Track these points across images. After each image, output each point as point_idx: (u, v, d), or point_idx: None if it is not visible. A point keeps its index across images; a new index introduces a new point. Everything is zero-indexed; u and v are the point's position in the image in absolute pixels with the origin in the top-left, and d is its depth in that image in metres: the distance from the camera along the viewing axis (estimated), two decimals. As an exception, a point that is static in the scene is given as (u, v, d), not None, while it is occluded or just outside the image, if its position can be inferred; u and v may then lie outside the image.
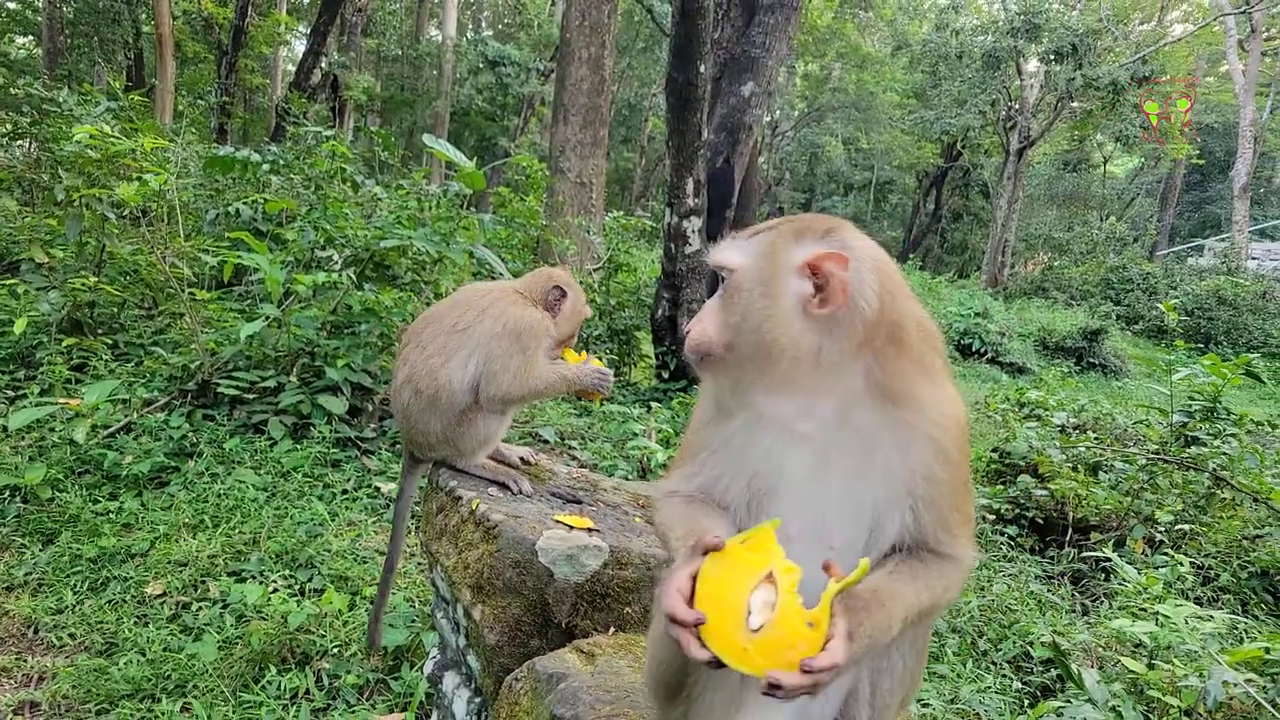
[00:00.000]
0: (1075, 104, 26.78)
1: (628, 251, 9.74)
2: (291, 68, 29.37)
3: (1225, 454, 5.13)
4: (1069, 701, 2.78)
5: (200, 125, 15.40)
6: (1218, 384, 5.22)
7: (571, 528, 2.31)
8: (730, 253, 1.44)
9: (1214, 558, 4.72)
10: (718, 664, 1.21)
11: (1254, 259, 24.25)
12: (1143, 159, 38.72)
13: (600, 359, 2.81)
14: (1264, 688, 2.91)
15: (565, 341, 2.79)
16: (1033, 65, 28.33)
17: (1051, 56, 25.00)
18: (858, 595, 1.25)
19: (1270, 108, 30.69)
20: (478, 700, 2.33)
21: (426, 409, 2.56)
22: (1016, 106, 27.72)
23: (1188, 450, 5.46)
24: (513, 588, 2.15)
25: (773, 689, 1.16)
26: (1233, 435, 5.27)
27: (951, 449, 1.35)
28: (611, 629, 2.17)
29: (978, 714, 3.32)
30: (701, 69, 7.77)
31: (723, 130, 8.81)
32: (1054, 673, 3.70)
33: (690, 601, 1.25)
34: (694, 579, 1.27)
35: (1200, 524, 4.96)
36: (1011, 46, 25.75)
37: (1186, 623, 3.38)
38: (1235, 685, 2.67)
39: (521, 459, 2.88)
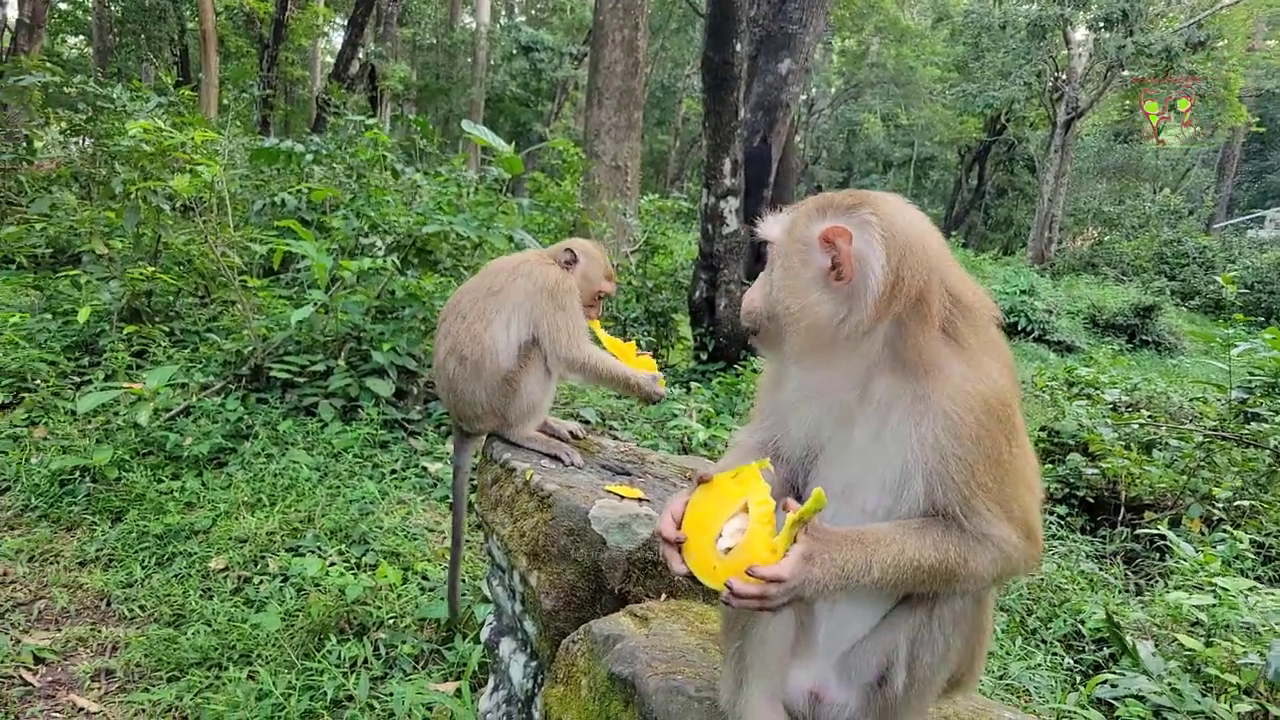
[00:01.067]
0: (1126, 72, 25.95)
1: (664, 233, 9.76)
2: (330, 59, 29.76)
3: (1286, 429, 5.00)
4: (1123, 674, 2.75)
5: (244, 118, 15.75)
6: (1279, 358, 5.07)
7: (622, 497, 2.38)
8: (771, 226, 1.53)
9: (1276, 536, 4.61)
10: (692, 578, 1.39)
11: (1317, 229, 23.40)
12: (1198, 128, 37.41)
13: (657, 368, 2.86)
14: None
15: (588, 306, 2.89)
16: (1080, 33, 27.52)
17: (1101, 24, 24.25)
18: (827, 529, 1.35)
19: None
20: (534, 664, 2.41)
21: (472, 377, 2.65)
22: (1064, 77, 27.00)
23: (1247, 427, 5.32)
24: (567, 555, 2.23)
25: (730, 595, 1.31)
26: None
27: (967, 423, 1.35)
28: (663, 595, 2.23)
29: (1027, 690, 3.31)
30: (738, 48, 7.74)
31: (759, 109, 8.77)
32: (1106, 651, 3.66)
33: (679, 526, 1.44)
34: (686, 506, 1.47)
35: (1261, 501, 4.83)
36: (1058, 14, 25.03)
37: (1245, 597, 3.33)
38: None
39: (571, 433, 2.96)
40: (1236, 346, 5.30)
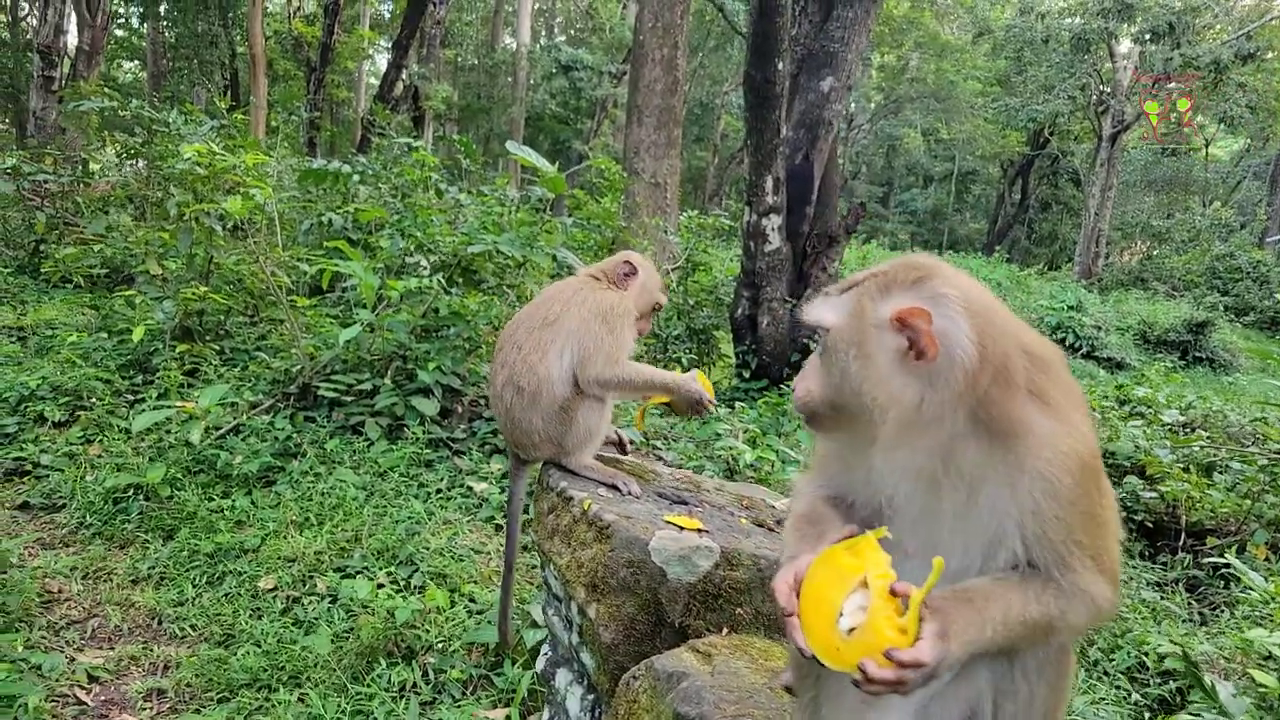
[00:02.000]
0: (1173, 85, 25.43)
1: (704, 250, 9.72)
2: (374, 80, 30.37)
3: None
4: (1199, 715, 2.61)
5: (292, 139, 16.11)
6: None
7: (682, 528, 2.34)
8: (823, 311, 1.43)
9: None
10: (816, 659, 1.31)
11: (1377, 243, 22.63)
12: (1249, 140, 36.49)
13: (705, 378, 2.82)
14: None
15: (643, 318, 2.87)
16: (1125, 46, 27.05)
17: (1147, 36, 23.84)
18: (943, 595, 1.28)
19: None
20: (591, 697, 2.37)
21: (529, 407, 2.63)
22: (1109, 90, 26.54)
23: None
24: (627, 587, 2.19)
25: (865, 680, 1.23)
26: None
27: (1064, 484, 1.31)
28: (725, 629, 2.18)
29: None
30: (780, 66, 7.71)
31: (801, 127, 8.71)
32: (1173, 685, 3.51)
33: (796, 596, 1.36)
34: (800, 575, 1.38)
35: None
36: (1103, 28, 24.66)
37: None
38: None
39: (628, 441, 2.97)
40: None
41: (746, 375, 8.75)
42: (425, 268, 6.29)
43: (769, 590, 1.44)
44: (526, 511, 3.83)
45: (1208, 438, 6.26)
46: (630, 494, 2.63)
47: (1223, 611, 4.28)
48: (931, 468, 1.37)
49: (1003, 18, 33.35)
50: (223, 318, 6.83)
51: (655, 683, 1.85)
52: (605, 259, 3.02)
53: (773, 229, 8.45)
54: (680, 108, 14.65)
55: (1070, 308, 16.79)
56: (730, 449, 5.11)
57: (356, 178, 7.23)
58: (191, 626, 3.70)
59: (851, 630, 1.28)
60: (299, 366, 5.66)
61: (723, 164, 39.19)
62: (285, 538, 4.33)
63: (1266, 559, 4.60)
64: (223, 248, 6.75)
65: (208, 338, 6.51)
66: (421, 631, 3.55)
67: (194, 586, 3.95)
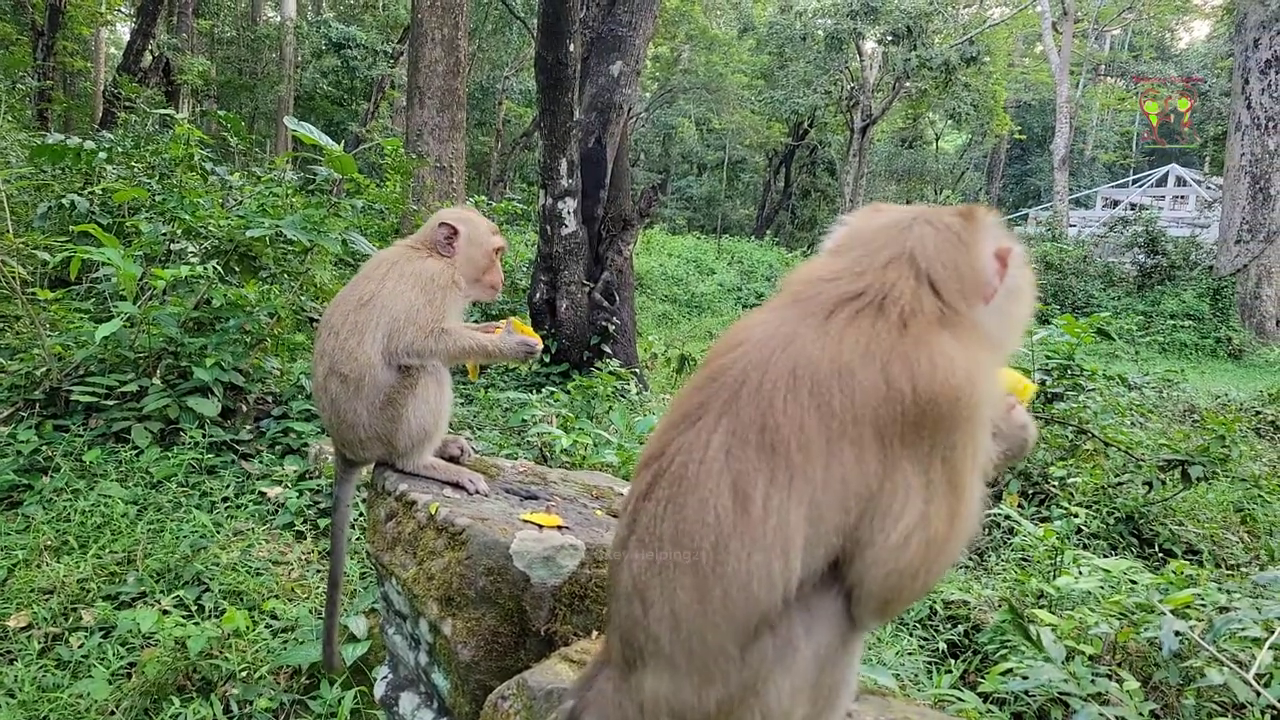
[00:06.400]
0: (910, 83, 28.41)
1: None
2: (116, 51, 26.95)
3: (1090, 409, 5.58)
4: (1025, 663, 2.80)
5: (17, 111, 13.85)
6: (1071, 342, 5.65)
7: (541, 527, 2.19)
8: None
9: (1083, 506, 5.07)
10: None
11: (1072, 226, 26.54)
12: (970, 135, 41.57)
13: (525, 322, 2.69)
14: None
15: (482, 279, 2.66)
16: (871, 46, 29.82)
17: (889, 38, 26.40)
18: None
19: (1082, 85, 33.61)
20: (445, 721, 2.20)
21: (353, 396, 2.40)
22: (858, 86, 29.12)
23: (1049, 406, 5.86)
24: (487, 597, 2.02)
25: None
26: (1093, 390, 5.73)
27: None
28: (593, 632, 2.07)
29: (899, 677, 3.34)
30: (570, 47, 7.72)
31: (593, 110, 8.79)
32: (959, 629, 3.88)
33: None
34: None
35: (1070, 474, 5.34)
36: (852, 28, 27.00)
37: (1128, 578, 3.57)
38: (1181, 634, 2.73)
39: (460, 449, 2.71)
40: (1036, 333, 5.86)
41: (547, 360, 8.73)
42: (194, 254, 5.68)
43: None
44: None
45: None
46: (479, 492, 2.45)
47: (989, 556, 4.83)
48: None
49: (765, 15, 35.52)
50: (-63, 317, 5.80)
51: (531, 702, 1.71)
52: (422, 229, 2.73)
53: (568, 212, 8.47)
54: (463, 90, 14.27)
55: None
56: (544, 435, 5.07)
57: (103, 155, 6.37)
58: (-77, 680, 3.12)
59: None
60: (44, 369, 4.92)
61: (506, 149, 38.66)
62: (39, 566, 3.76)
63: (1019, 506, 5.24)
64: (-67, 234, 5.70)
65: (-83, 341, 5.50)
66: (220, 660, 3.21)
67: (-77, 632, 3.34)
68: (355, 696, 3.02)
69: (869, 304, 1.35)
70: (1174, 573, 3.48)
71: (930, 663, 3.66)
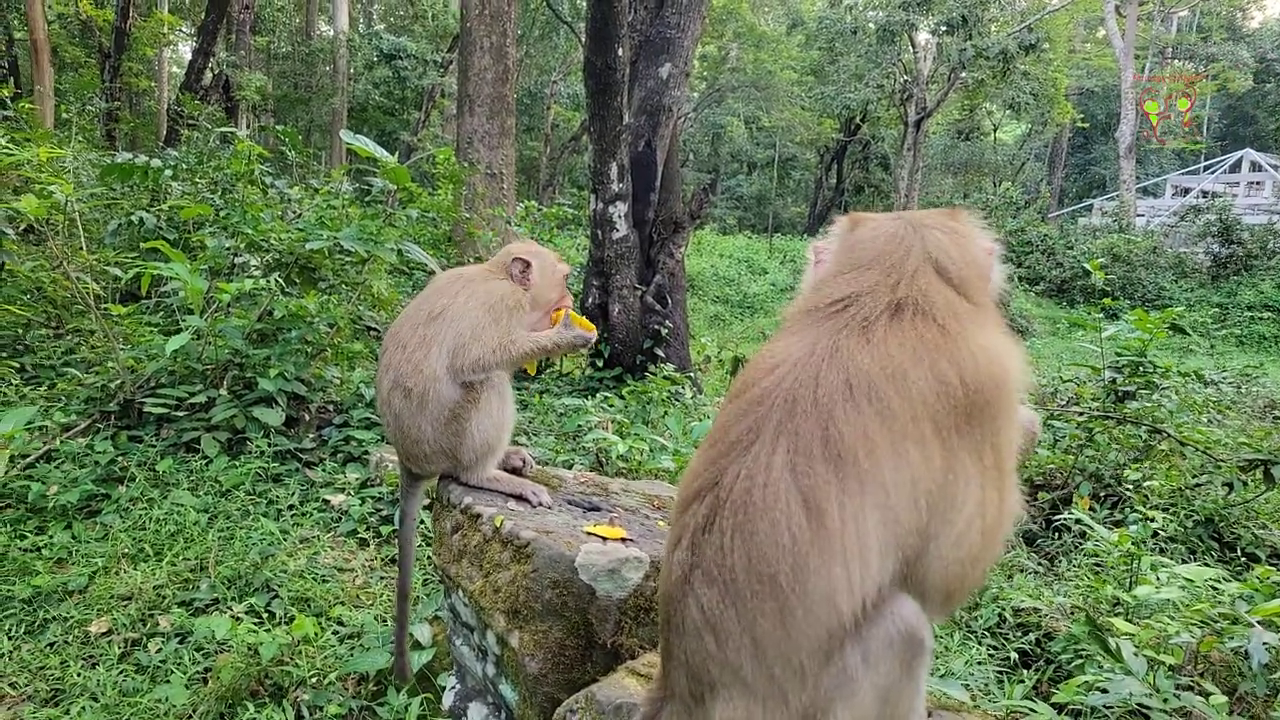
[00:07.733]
0: (966, 74, 27.76)
1: (549, 240, 9.62)
2: (178, 69, 27.93)
3: (1164, 407, 5.34)
4: (1104, 675, 2.70)
5: (87, 132, 14.43)
6: (1144, 339, 5.39)
7: (605, 539, 2.18)
8: None
9: (1159, 509, 4.84)
10: None
11: (1140, 216, 25.67)
12: (1030, 125, 40.49)
13: (576, 316, 2.72)
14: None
15: (551, 306, 2.72)
16: (924, 37, 29.24)
17: (943, 28, 25.84)
18: None
19: (1148, 70, 32.46)
20: (514, 733, 2.19)
21: (417, 411, 2.42)
22: (912, 79, 28.58)
23: (1121, 405, 5.60)
24: (553, 610, 2.02)
25: None
26: (1167, 388, 5.48)
27: None
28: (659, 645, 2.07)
29: (969, 687, 3.25)
30: (619, 52, 7.72)
31: (642, 113, 8.78)
32: (1031, 637, 3.75)
33: None
34: None
35: (1145, 475, 5.11)
36: (904, 20, 26.50)
37: (1213, 588, 3.40)
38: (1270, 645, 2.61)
39: (523, 460, 2.74)
40: (1106, 329, 5.62)
41: (600, 364, 8.73)
42: (257, 268, 5.83)
43: None
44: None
45: (1029, 398, 6.83)
46: (542, 504, 2.46)
47: (1060, 561, 4.66)
48: None
49: (814, 10, 35.13)
50: (20, 331, 6.04)
51: (600, 716, 1.70)
52: (497, 254, 2.81)
53: (619, 216, 8.47)
54: (512, 96, 14.40)
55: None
56: (600, 441, 5.07)
57: (169, 172, 6.58)
58: (11, 685, 3.24)
59: None
60: (118, 381, 5.09)
61: (555, 154, 38.98)
62: (117, 574, 3.89)
63: (1090, 509, 5.04)
64: (14, 253, 5.96)
65: (3, 355, 5.74)
66: (291, 666, 3.27)
67: (10, 638, 3.47)
68: (421, 703, 3.04)
69: (908, 310, 1.42)
70: (1259, 579, 3.31)
71: (1001, 672, 3.56)
